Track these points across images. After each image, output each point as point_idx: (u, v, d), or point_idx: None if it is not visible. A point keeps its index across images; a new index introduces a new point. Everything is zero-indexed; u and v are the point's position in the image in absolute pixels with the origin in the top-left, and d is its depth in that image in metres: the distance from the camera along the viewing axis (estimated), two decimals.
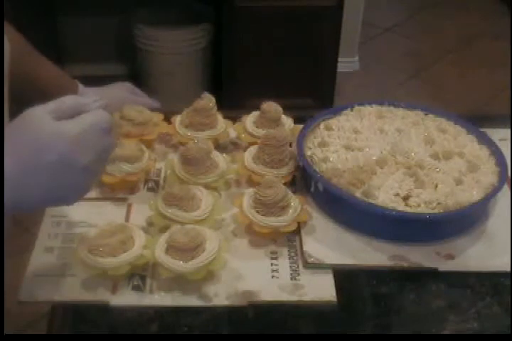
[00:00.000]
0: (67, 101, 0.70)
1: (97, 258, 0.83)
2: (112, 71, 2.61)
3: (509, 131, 1.15)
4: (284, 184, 0.95)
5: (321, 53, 2.39)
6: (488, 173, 0.98)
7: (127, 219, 0.96)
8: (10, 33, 0.88)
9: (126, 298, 0.84)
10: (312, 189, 0.97)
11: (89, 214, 0.96)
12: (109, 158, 0.73)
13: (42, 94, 1.11)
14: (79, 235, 0.88)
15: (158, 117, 1.09)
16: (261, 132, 1.04)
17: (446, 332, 0.82)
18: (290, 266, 0.90)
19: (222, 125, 1.08)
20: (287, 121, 1.09)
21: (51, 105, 0.68)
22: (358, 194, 0.93)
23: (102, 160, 0.71)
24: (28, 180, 0.66)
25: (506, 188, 0.99)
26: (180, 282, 0.85)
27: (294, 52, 2.38)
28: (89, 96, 0.75)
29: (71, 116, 0.68)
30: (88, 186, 0.72)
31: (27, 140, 0.66)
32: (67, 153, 0.66)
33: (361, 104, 1.10)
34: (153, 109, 1.11)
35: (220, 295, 0.85)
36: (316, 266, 0.89)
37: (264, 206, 0.90)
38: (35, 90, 1.08)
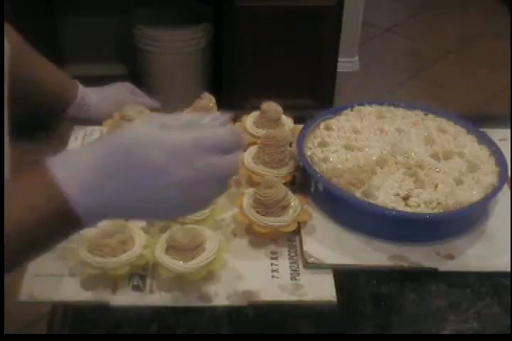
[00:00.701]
0: (185, 117, 0.65)
1: (97, 258, 0.83)
2: (112, 71, 2.61)
3: (509, 131, 1.15)
4: (284, 184, 0.95)
5: (321, 53, 2.39)
6: (488, 173, 0.98)
7: None
8: (9, 34, 0.88)
9: (126, 298, 0.84)
10: (312, 189, 0.97)
11: None
12: (227, 183, 0.66)
13: (41, 94, 1.11)
14: (79, 235, 0.88)
15: None
16: (261, 132, 1.04)
17: (446, 332, 0.82)
18: (290, 266, 0.90)
19: None
20: (287, 121, 1.09)
21: (166, 117, 0.64)
22: (358, 194, 0.93)
23: (211, 182, 0.64)
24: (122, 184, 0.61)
25: (506, 188, 0.99)
26: (180, 282, 0.85)
27: (294, 52, 2.37)
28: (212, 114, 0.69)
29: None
30: (187, 205, 0.65)
31: (138, 143, 0.61)
32: (165, 162, 0.60)
33: (361, 104, 1.10)
34: (153, 109, 1.11)
35: (220, 295, 0.85)
36: (316, 266, 0.89)
37: (264, 206, 0.90)
38: (34, 90, 1.08)
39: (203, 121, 0.65)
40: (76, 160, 0.61)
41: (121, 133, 0.62)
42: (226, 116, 0.67)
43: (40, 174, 0.60)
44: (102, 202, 0.61)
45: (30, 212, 0.60)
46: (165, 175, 0.61)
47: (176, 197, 0.63)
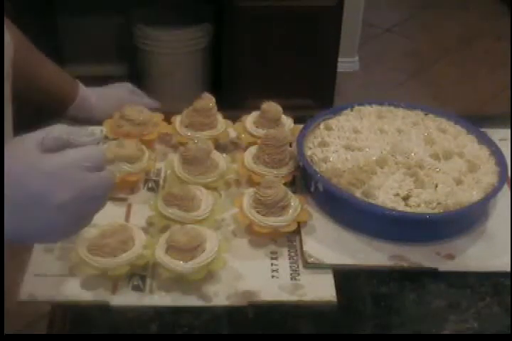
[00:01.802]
0: (55, 131, 0.66)
1: (97, 258, 0.83)
2: (112, 71, 2.61)
3: (509, 131, 1.15)
4: (284, 184, 0.95)
5: (321, 53, 2.39)
6: (488, 173, 0.98)
7: (127, 219, 0.96)
8: (12, 32, 0.88)
9: (126, 298, 0.84)
10: (312, 189, 0.97)
11: None
12: (103, 197, 0.69)
13: (43, 94, 1.11)
14: (79, 235, 0.88)
15: (158, 117, 1.09)
16: (261, 132, 1.04)
17: (446, 332, 0.82)
18: (290, 266, 0.90)
19: (222, 125, 1.08)
20: (287, 121, 1.09)
21: (40, 134, 0.65)
22: (358, 194, 0.93)
23: (88, 200, 0.66)
24: (6, 213, 0.62)
25: (506, 188, 0.99)
26: (180, 282, 0.85)
27: (294, 52, 2.37)
28: (85, 129, 0.71)
29: (62, 147, 0.65)
30: (70, 226, 0.67)
31: (8, 171, 0.62)
32: (39, 189, 0.62)
33: (361, 104, 1.10)
34: (153, 109, 1.11)
35: (220, 295, 0.85)
36: (316, 266, 0.89)
37: (264, 206, 0.90)
38: (36, 89, 1.08)
39: (79, 139, 0.67)
40: None
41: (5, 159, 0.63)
42: (99, 134, 0.71)
43: None
44: None
45: None
46: (46, 200, 0.62)
47: (60, 220, 0.64)
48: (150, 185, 1.03)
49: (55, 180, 0.63)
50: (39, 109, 1.20)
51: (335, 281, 0.88)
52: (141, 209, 0.96)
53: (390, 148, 1.01)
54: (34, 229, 0.65)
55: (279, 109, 1.08)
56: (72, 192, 0.63)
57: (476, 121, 1.09)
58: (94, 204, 0.68)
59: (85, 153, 0.65)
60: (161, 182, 1.03)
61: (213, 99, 1.06)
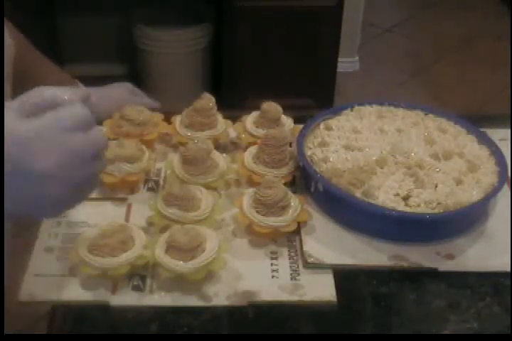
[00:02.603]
0: (32, 95, 0.60)
1: (97, 258, 0.83)
2: (112, 71, 2.61)
3: (509, 131, 1.15)
4: (284, 184, 0.95)
5: (321, 53, 2.39)
6: (488, 173, 0.98)
7: (127, 219, 0.96)
8: (13, 33, 0.88)
9: (126, 298, 0.84)
10: (312, 189, 0.97)
11: (89, 214, 0.96)
12: (102, 158, 0.63)
13: None
14: (79, 235, 0.88)
15: (158, 117, 1.09)
16: (261, 132, 1.04)
17: (446, 332, 0.82)
18: (290, 266, 0.90)
19: (222, 125, 1.08)
20: (287, 121, 1.09)
21: (20, 100, 0.60)
22: (358, 194, 0.93)
23: (78, 164, 0.60)
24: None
25: (506, 188, 0.99)
26: (180, 282, 0.85)
27: (294, 52, 2.38)
28: (68, 89, 0.63)
29: (44, 112, 0.59)
30: (64, 195, 0.60)
31: None
32: (19, 156, 0.57)
33: (361, 104, 1.10)
34: (153, 109, 1.11)
35: (220, 295, 0.85)
36: (316, 266, 0.89)
37: (264, 206, 0.90)
38: None
39: (64, 97, 0.61)
40: None
41: None
42: (86, 91, 0.64)
43: None
44: None
45: None
46: (28, 167, 0.57)
47: (50, 189, 0.59)
48: (150, 185, 1.03)
49: (34, 145, 0.57)
50: None
51: (335, 281, 0.88)
52: (141, 209, 0.96)
53: (390, 148, 1.01)
54: (27, 200, 0.59)
55: (279, 109, 1.08)
56: (55, 156, 0.57)
57: (476, 121, 1.09)
58: (87, 167, 0.61)
59: (67, 113, 0.59)
60: (161, 182, 1.03)
61: (213, 99, 1.06)
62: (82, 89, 0.63)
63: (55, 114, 0.59)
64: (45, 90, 0.61)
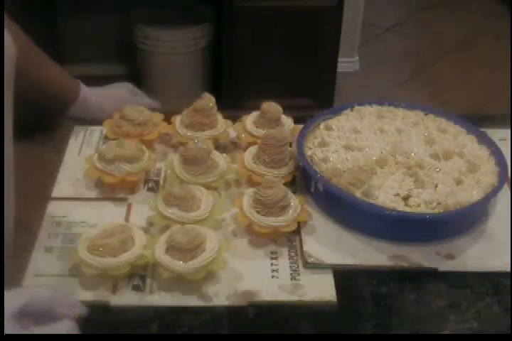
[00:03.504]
0: (36, 299, 0.69)
1: (97, 258, 0.83)
2: (112, 71, 2.61)
3: (509, 131, 1.15)
4: (284, 184, 0.95)
5: (321, 53, 2.39)
6: (488, 173, 0.98)
7: (127, 219, 0.96)
8: (16, 33, 0.88)
9: (126, 298, 0.84)
10: (312, 189, 0.97)
11: (89, 214, 0.96)
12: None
13: (45, 94, 1.11)
14: (79, 235, 0.88)
15: (158, 117, 1.09)
16: (261, 132, 1.04)
17: (446, 332, 0.82)
18: (290, 266, 0.90)
19: (222, 125, 1.08)
20: (287, 121, 1.09)
21: (22, 299, 0.68)
22: (358, 194, 0.93)
23: None
24: None
25: (506, 188, 0.99)
26: (180, 282, 0.85)
27: (294, 52, 2.37)
28: (69, 298, 0.73)
29: (43, 314, 0.68)
30: None
31: None
32: None
33: (361, 104, 1.10)
34: (153, 109, 1.11)
35: (220, 295, 0.85)
36: (316, 266, 0.89)
37: (264, 206, 0.90)
38: (37, 89, 1.08)
39: (59, 310, 0.69)
40: None
41: None
42: (81, 307, 0.72)
43: None
44: None
45: None
46: None
47: None
48: (150, 185, 1.03)
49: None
50: (39, 109, 1.20)
51: (335, 281, 0.88)
52: (141, 209, 0.96)
53: (390, 148, 1.01)
54: None
55: (279, 109, 1.08)
56: None
57: (476, 121, 1.09)
58: None
59: (52, 331, 0.68)
60: (161, 182, 1.03)
61: (213, 99, 1.06)
62: (81, 307, 0.73)
63: (42, 330, 0.68)
64: (49, 296, 0.70)
